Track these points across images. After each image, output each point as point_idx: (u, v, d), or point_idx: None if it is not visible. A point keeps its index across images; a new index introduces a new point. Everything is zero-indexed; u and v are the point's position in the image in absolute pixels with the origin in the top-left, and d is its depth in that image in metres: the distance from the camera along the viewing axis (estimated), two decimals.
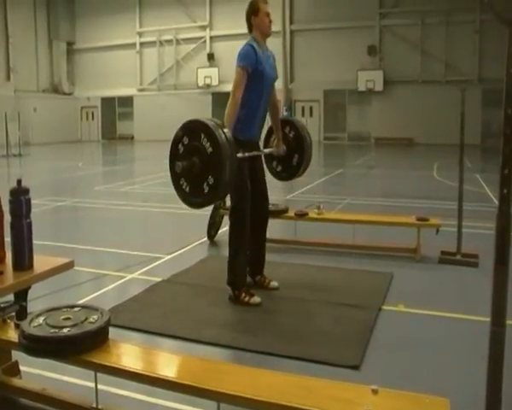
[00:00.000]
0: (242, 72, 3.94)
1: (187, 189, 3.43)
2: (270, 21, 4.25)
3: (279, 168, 4.87)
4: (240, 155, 3.73)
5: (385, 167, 15.67)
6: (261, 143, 4.54)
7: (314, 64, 26.21)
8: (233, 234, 4.11)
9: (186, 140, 3.39)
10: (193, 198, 3.45)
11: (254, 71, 3.98)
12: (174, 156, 3.45)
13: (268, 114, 4.41)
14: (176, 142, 3.44)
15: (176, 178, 3.46)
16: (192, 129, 3.39)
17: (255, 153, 4.20)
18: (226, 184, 3.39)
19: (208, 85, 28.68)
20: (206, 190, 3.35)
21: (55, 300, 3.98)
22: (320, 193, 10.02)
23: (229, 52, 27.95)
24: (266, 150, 4.54)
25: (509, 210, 1.74)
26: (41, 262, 2.83)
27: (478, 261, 5.03)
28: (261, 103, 4.11)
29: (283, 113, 22.90)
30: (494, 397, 1.78)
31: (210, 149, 3.29)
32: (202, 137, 3.31)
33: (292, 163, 4.79)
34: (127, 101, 31.27)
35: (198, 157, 3.33)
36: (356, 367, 3.05)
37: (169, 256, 5.52)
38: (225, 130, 3.39)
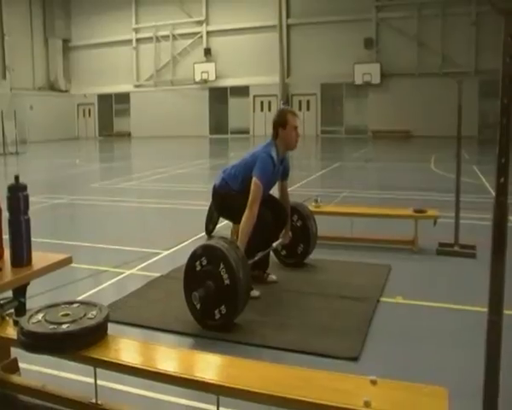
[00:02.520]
0: (260, 184, 3.94)
1: (198, 306, 3.47)
2: (298, 135, 4.23)
3: (283, 253, 4.90)
4: (250, 261, 3.79)
5: (382, 160, 15.68)
6: None
7: (311, 58, 26.18)
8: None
9: (204, 261, 3.45)
10: (202, 318, 3.50)
11: (265, 181, 4.03)
12: (190, 273, 3.52)
13: None
14: (194, 258, 3.50)
15: (188, 291, 3.52)
16: (212, 254, 3.43)
17: (262, 254, 4.20)
18: (238, 313, 3.48)
19: (205, 81, 28.63)
20: (217, 317, 3.44)
21: (54, 296, 3.98)
22: (318, 186, 10.03)
23: (226, 47, 28.08)
24: (274, 245, 4.53)
25: (505, 200, 1.74)
26: (39, 258, 2.83)
27: (475, 252, 5.05)
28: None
29: (280, 106, 22.86)
30: (492, 386, 1.79)
31: (227, 282, 3.35)
32: (221, 266, 3.36)
33: (296, 251, 4.85)
34: (124, 97, 31.20)
35: (214, 283, 3.39)
36: (355, 359, 3.06)
37: (167, 252, 5.53)
38: (245, 264, 3.44)
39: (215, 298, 3.41)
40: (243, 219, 3.88)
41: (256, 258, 4.06)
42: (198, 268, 3.47)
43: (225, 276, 3.36)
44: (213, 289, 3.39)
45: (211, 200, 4.51)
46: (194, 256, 3.51)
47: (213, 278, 3.39)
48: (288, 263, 4.90)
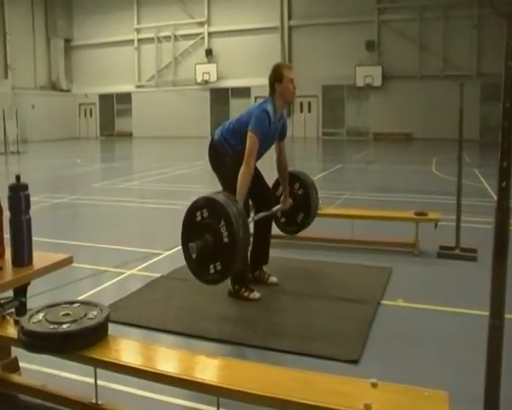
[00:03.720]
0: (256, 138, 3.92)
1: (193, 256, 3.42)
2: (295, 88, 4.20)
3: (283, 220, 4.90)
4: (250, 219, 3.76)
5: (383, 162, 15.68)
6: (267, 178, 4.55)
7: (312, 60, 26.17)
8: None
9: (205, 213, 3.39)
10: (196, 269, 3.48)
11: (261, 135, 3.99)
12: (190, 221, 3.46)
13: (277, 171, 4.52)
14: (195, 208, 3.44)
15: (186, 239, 3.48)
16: (214, 208, 3.37)
17: (263, 214, 4.20)
18: (233, 272, 3.47)
19: (207, 81, 28.62)
20: (211, 271, 3.41)
21: (55, 296, 3.98)
22: (319, 188, 9.99)
23: (228, 48, 28.09)
24: (274, 209, 4.52)
25: (507, 204, 1.74)
26: (40, 258, 2.83)
27: (476, 256, 5.04)
28: (256, 158, 4.10)
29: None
30: (493, 390, 1.79)
31: (226, 240, 3.30)
32: (222, 223, 3.31)
33: (296, 220, 4.84)
34: (125, 97, 31.20)
35: (212, 238, 3.34)
36: (355, 362, 3.06)
37: (168, 252, 5.52)
38: (245, 221, 3.41)
39: (212, 253, 3.36)
40: (240, 174, 3.86)
41: (256, 218, 4.04)
42: (198, 219, 3.41)
43: (225, 234, 3.30)
44: (211, 243, 3.34)
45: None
46: (196, 206, 3.44)
47: (213, 233, 3.34)
48: (287, 230, 4.90)
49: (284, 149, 4.49)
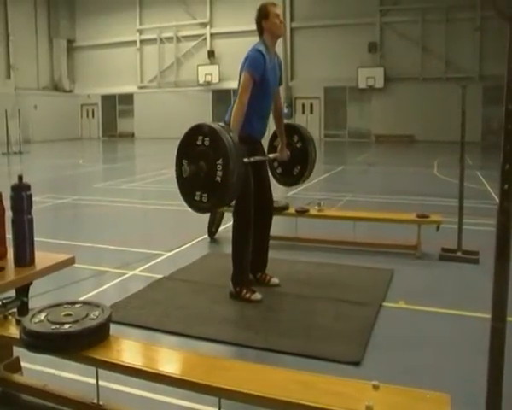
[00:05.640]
0: (250, 77, 3.93)
1: (184, 175, 3.41)
2: (281, 22, 4.20)
3: (279, 170, 4.91)
4: (246, 159, 3.74)
5: (385, 164, 15.67)
6: (265, 144, 4.52)
7: (314, 61, 26.17)
8: (237, 237, 4.11)
9: (207, 142, 3.35)
10: (184, 188, 3.47)
11: (260, 79, 3.98)
12: (189, 141, 3.42)
13: (272, 119, 4.45)
14: (199, 132, 3.39)
15: (181, 156, 3.46)
16: (216, 144, 3.32)
17: (259, 158, 4.20)
18: (217, 208, 3.41)
19: (209, 83, 28.64)
20: (196, 198, 3.40)
21: (56, 296, 3.98)
22: (321, 190, 10.02)
23: (230, 49, 28.05)
24: (271, 156, 4.54)
25: (509, 206, 1.74)
26: (42, 258, 2.83)
27: (478, 258, 5.04)
28: (262, 106, 4.11)
29: (283, 110, 22.86)
30: (495, 393, 1.78)
31: (218, 179, 3.29)
32: (220, 161, 3.29)
33: (293, 172, 4.84)
34: (127, 98, 31.23)
35: (206, 169, 3.33)
36: (357, 363, 3.06)
37: (170, 253, 5.53)
38: (232, 133, 3.40)
39: (202, 183, 3.37)
40: (233, 109, 3.89)
41: (252, 160, 3.99)
42: (198, 143, 3.37)
43: (219, 173, 3.29)
44: (204, 173, 3.34)
45: None
46: (201, 131, 3.39)
47: (208, 164, 3.32)
48: (283, 181, 4.94)
49: (279, 93, 4.46)
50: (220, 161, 3.28)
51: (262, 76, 3.99)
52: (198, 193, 3.40)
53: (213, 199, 3.38)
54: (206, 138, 3.35)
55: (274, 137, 4.73)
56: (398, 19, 25.18)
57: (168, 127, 29.07)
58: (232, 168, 3.28)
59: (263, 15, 4.15)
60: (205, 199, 3.39)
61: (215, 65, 28.53)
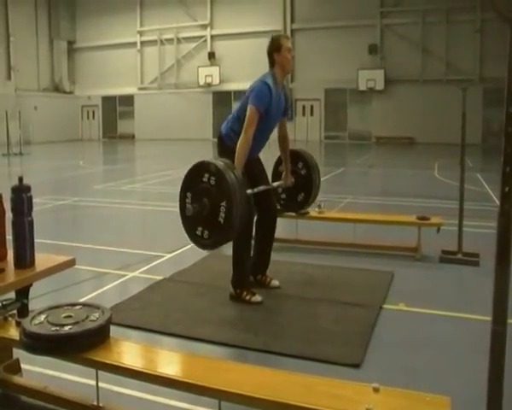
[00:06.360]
0: (256, 111, 3.93)
1: (187, 213, 3.43)
2: (293, 57, 4.23)
3: (283, 196, 4.93)
4: (249, 191, 3.78)
5: (386, 166, 15.67)
6: (268, 167, 4.54)
7: (315, 63, 26.19)
8: (237, 243, 4.08)
9: (212, 181, 3.35)
10: (186, 220, 3.49)
11: (263, 112, 3.98)
12: (195, 176, 3.43)
13: (278, 147, 4.51)
14: (205, 169, 3.39)
15: (185, 189, 3.48)
16: (222, 184, 3.32)
17: (263, 188, 4.20)
18: (216, 247, 3.54)
19: (209, 84, 28.66)
20: (198, 233, 3.43)
21: (57, 298, 3.98)
22: (321, 192, 9.97)
23: (230, 51, 28.13)
24: (275, 184, 4.55)
25: (510, 209, 1.73)
26: (42, 260, 2.83)
27: (479, 260, 5.03)
28: (261, 136, 4.11)
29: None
30: (495, 396, 1.78)
31: (221, 220, 3.32)
32: (224, 203, 3.30)
33: (297, 198, 4.87)
34: (128, 100, 31.25)
35: (209, 209, 3.34)
36: (357, 366, 3.05)
37: (170, 255, 5.53)
38: (236, 171, 3.41)
39: (204, 220, 3.38)
40: (238, 143, 3.88)
41: (255, 190, 4.02)
42: (204, 180, 3.37)
43: (222, 215, 3.31)
44: (207, 211, 3.35)
45: None
46: (208, 168, 3.38)
47: (211, 204, 3.33)
48: (286, 207, 4.95)
49: (286, 124, 4.48)
50: (224, 204, 3.31)
51: (266, 110, 3.99)
52: (200, 228, 3.43)
53: (215, 237, 3.41)
54: (212, 178, 3.36)
55: (279, 162, 4.74)
56: (399, 21, 25.20)
57: (168, 129, 29.11)
58: (235, 212, 3.31)
59: (275, 48, 4.13)
60: (206, 236, 3.42)
61: (215, 66, 28.57)
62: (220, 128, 4.33)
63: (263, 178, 4.34)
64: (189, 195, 3.43)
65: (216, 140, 4.38)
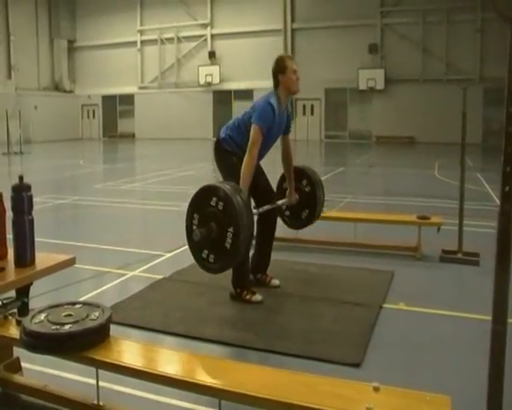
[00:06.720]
0: (260, 130, 3.94)
1: (194, 238, 3.44)
2: (298, 79, 4.23)
3: (287, 213, 4.92)
4: (255, 211, 3.80)
5: (386, 166, 15.66)
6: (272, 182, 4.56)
7: (315, 62, 26.16)
8: None
9: (220, 206, 3.37)
10: (192, 243, 3.50)
11: (266, 131, 4.00)
12: (202, 200, 3.45)
13: (282, 165, 4.53)
14: (214, 193, 3.40)
15: (193, 211, 3.50)
16: (230, 210, 3.33)
17: (268, 207, 4.22)
18: (221, 272, 3.54)
19: (209, 83, 28.65)
20: (203, 256, 3.47)
21: (57, 297, 3.99)
22: None
23: (231, 50, 28.12)
24: (279, 202, 4.54)
25: (510, 208, 1.73)
26: (43, 259, 2.84)
27: (479, 260, 5.03)
28: (262, 153, 4.11)
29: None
30: (495, 395, 1.78)
31: (227, 246, 3.35)
32: (231, 229, 3.32)
33: (301, 216, 4.85)
34: (128, 99, 31.24)
35: (217, 233, 3.36)
36: (357, 365, 3.06)
37: (170, 254, 5.53)
38: (242, 195, 3.43)
39: (211, 244, 3.41)
40: (243, 164, 3.87)
41: (261, 210, 4.07)
42: (212, 204, 3.39)
43: (229, 241, 3.33)
44: (214, 235, 3.37)
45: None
46: (216, 193, 3.40)
47: (219, 229, 3.35)
48: (291, 225, 4.93)
49: (289, 141, 4.50)
50: (231, 229, 3.32)
51: (268, 129, 4.01)
52: (205, 251, 3.45)
53: (221, 262, 3.43)
54: (221, 203, 3.38)
55: (282, 179, 4.75)
56: (399, 20, 25.19)
57: (169, 128, 29.10)
58: (242, 239, 3.33)
59: (280, 69, 4.15)
60: (211, 259, 3.44)
61: (216, 66, 28.56)
62: (219, 133, 4.33)
63: (262, 180, 4.36)
64: (196, 216, 3.46)
65: (215, 141, 4.38)
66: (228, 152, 4.16)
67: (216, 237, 3.37)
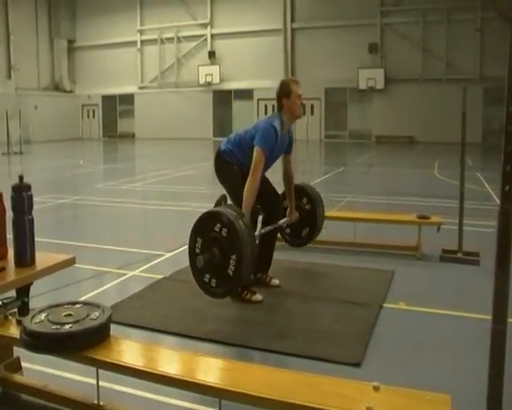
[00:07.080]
0: (262, 153, 3.96)
1: (197, 264, 3.48)
2: (302, 103, 4.26)
3: (288, 231, 4.96)
4: (257, 232, 3.83)
5: (386, 165, 15.66)
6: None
7: (315, 62, 26.17)
8: None
9: (224, 233, 3.40)
10: (194, 266, 3.54)
11: (268, 150, 4.03)
12: (206, 225, 3.49)
13: (283, 183, 4.57)
14: (218, 219, 3.43)
15: (196, 234, 3.54)
16: (234, 237, 3.36)
17: (269, 228, 4.26)
18: (223, 297, 3.61)
19: (209, 83, 28.64)
20: (206, 280, 3.51)
21: (57, 296, 3.99)
22: (321, 191, 9.98)
23: (231, 50, 28.12)
24: (281, 222, 4.56)
25: (510, 208, 1.74)
26: (43, 259, 2.84)
27: (479, 259, 5.03)
28: (263, 171, 4.13)
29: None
30: (495, 394, 1.78)
31: (230, 272, 3.39)
32: (234, 257, 3.37)
33: (301, 234, 4.89)
34: (128, 99, 31.24)
35: (220, 259, 3.40)
36: (357, 364, 3.06)
37: (170, 254, 5.53)
38: (245, 219, 3.46)
39: (213, 269, 3.44)
40: (246, 188, 3.89)
41: (263, 231, 4.11)
42: (216, 230, 3.42)
43: (232, 268, 3.36)
44: (217, 261, 3.40)
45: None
46: (220, 219, 3.43)
47: (222, 255, 3.39)
48: (291, 243, 4.95)
49: (290, 161, 4.53)
50: (234, 257, 3.36)
51: (270, 151, 4.03)
52: (208, 276, 3.50)
53: (223, 288, 3.47)
54: (224, 229, 3.40)
55: (283, 198, 4.74)
56: (399, 20, 25.19)
57: (169, 128, 29.10)
58: (245, 266, 3.36)
59: (284, 93, 4.17)
60: (213, 284, 3.49)
61: (216, 65, 28.55)
62: (219, 145, 4.37)
63: (270, 187, 4.41)
64: (199, 240, 3.50)
65: (215, 153, 4.41)
66: (228, 162, 4.21)
67: (219, 263, 3.41)
